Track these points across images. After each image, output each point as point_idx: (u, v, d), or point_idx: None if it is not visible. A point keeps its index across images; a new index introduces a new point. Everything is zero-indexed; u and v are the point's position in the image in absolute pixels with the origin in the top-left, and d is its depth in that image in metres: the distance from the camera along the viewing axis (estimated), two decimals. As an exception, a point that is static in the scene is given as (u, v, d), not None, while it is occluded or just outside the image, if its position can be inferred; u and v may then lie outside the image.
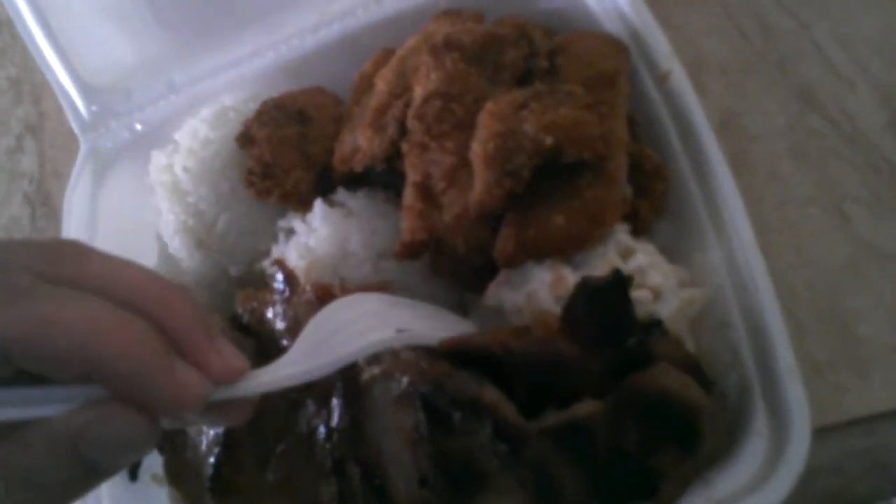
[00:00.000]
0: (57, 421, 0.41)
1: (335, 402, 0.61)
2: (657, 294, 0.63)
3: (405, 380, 0.57)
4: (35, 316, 0.40)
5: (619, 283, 0.58)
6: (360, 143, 0.74)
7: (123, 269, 0.46)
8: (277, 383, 0.51)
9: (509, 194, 0.64)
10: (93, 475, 0.43)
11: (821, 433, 0.66)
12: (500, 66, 0.72)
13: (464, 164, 0.67)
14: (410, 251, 0.69)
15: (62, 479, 0.42)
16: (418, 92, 0.71)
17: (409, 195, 0.69)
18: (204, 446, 0.66)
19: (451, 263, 0.70)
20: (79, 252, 0.45)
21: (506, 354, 0.58)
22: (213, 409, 0.47)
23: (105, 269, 0.45)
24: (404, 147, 0.70)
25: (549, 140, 0.63)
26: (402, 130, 0.72)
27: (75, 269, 0.44)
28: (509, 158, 0.64)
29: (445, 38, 0.71)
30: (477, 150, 0.65)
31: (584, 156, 0.64)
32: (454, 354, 0.59)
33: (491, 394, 0.57)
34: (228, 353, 0.48)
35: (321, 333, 0.55)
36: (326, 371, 0.54)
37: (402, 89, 0.75)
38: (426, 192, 0.69)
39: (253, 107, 0.83)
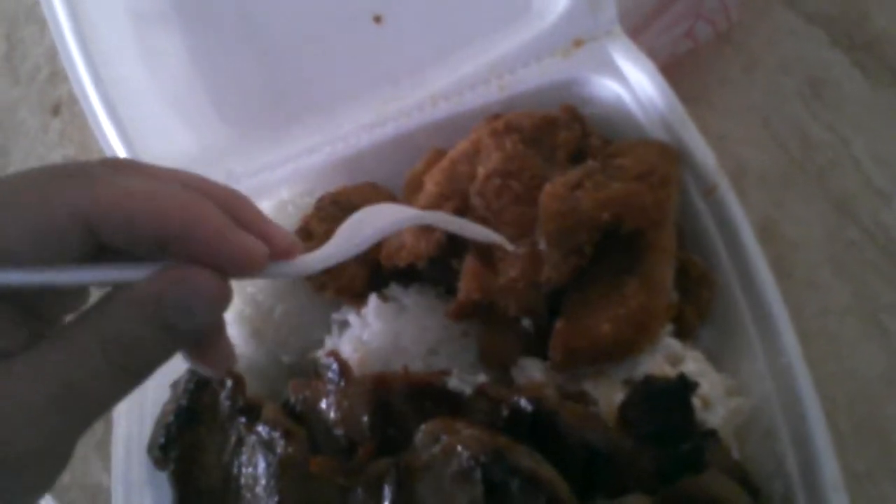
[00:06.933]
0: (139, 286, 0.43)
1: (387, 489, 0.62)
2: (706, 402, 0.65)
3: (466, 453, 0.58)
4: (118, 188, 0.43)
5: (683, 388, 0.60)
6: (405, 239, 0.77)
7: (180, 171, 0.50)
8: (321, 263, 0.53)
9: (575, 270, 0.69)
10: (173, 339, 0.45)
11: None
12: (555, 145, 0.77)
13: (520, 234, 0.72)
14: (463, 311, 0.73)
15: (148, 343, 0.43)
16: (481, 172, 0.76)
17: (469, 261, 0.73)
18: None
19: (499, 347, 0.73)
20: (138, 162, 0.49)
21: (569, 431, 0.60)
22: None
23: (165, 169, 0.49)
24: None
25: (605, 215, 0.68)
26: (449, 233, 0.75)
27: (140, 166, 0.48)
28: (571, 236, 0.68)
29: (506, 122, 0.77)
30: (543, 230, 0.69)
31: (642, 225, 0.68)
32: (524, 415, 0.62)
33: (548, 470, 0.58)
34: (286, 233, 0.52)
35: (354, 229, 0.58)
36: (364, 245, 0.56)
37: (451, 191, 0.78)
38: (485, 259, 0.73)
39: (309, 201, 0.87)
